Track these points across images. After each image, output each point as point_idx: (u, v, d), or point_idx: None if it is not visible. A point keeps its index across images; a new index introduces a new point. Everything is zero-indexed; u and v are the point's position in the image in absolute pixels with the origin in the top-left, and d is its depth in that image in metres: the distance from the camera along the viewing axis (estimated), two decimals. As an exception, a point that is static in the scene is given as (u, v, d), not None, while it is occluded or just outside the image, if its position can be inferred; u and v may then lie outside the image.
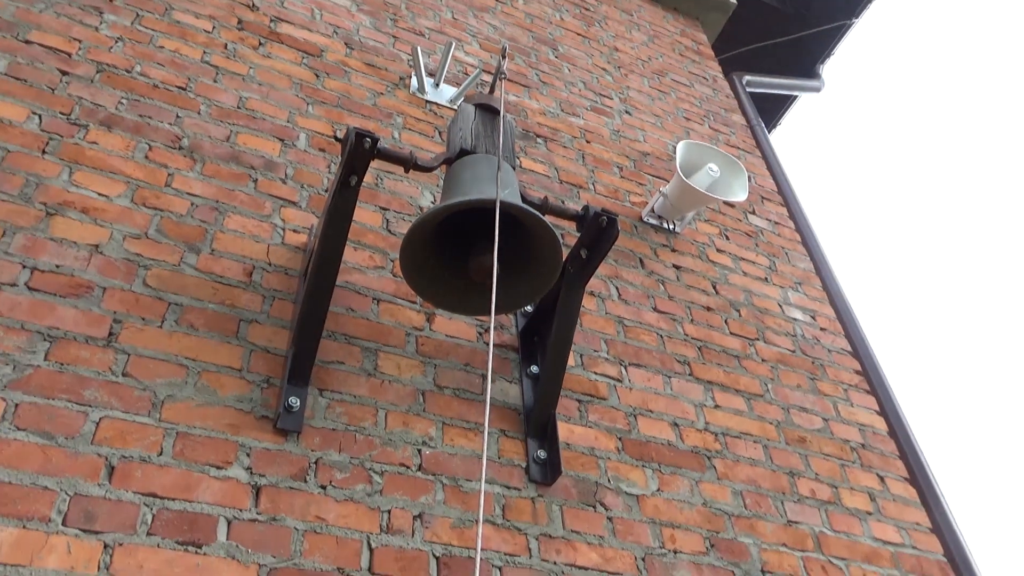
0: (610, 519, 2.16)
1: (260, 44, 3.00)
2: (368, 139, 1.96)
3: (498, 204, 1.86)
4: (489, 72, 3.45)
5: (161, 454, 1.76)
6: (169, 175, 2.35)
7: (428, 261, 2.05)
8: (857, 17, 5.51)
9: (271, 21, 3.14)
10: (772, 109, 6.08)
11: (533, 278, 2.07)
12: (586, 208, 2.21)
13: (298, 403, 1.95)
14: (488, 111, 2.30)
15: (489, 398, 1.52)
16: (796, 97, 5.97)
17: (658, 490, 2.30)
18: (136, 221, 2.18)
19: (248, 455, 1.85)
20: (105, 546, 1.58)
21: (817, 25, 5.57)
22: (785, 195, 4.02)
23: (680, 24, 5.03)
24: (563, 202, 2.90)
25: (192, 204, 2.31)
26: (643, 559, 2.11)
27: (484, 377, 2.30)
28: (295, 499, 1.82)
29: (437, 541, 1.90)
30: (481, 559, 1.91)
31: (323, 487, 1.87)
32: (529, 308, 2.56)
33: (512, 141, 2.29)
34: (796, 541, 2.38)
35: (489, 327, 2.47)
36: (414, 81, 3.24)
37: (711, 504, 2.34)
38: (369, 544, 1.82)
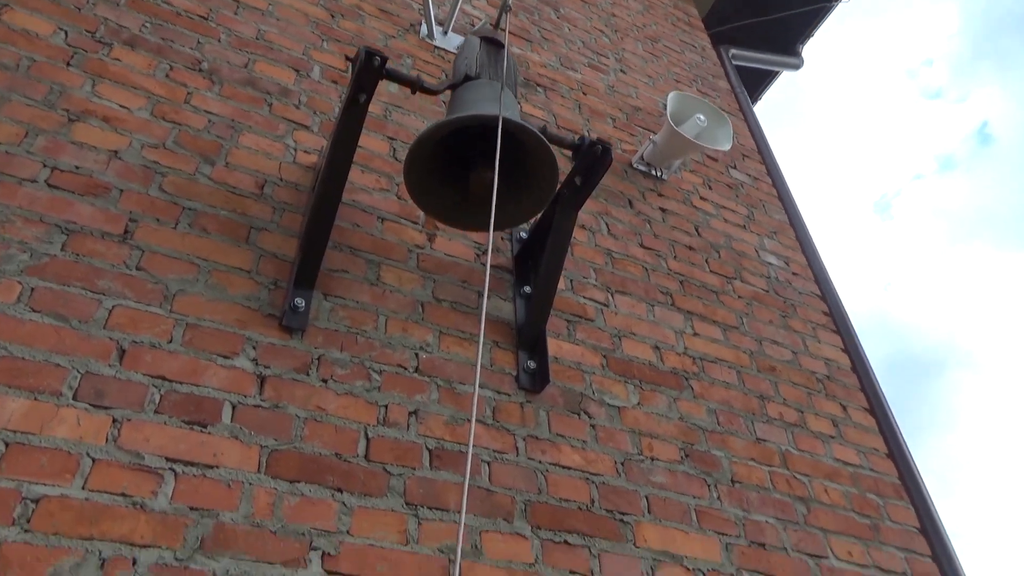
0: (593, 426, 2.08)
1: (279, -16, 2.85)
2: (377, 57, 1.85)
3: (500, 120, 1.75)
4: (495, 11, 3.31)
5: (171, 342, 1.67)
6: (188, 93, 2.23)
7: (431, 176, 1.95)
8: (837, 1, 5.34)
9: (291, -35, 2.99)
10: (755, 84, 5.92)
11: (530, 197, 1.97)
12: (582, 137, 2.11)
13: (303, 304, 1.86)
14: (493, 44, 2.18)
15: (487, 289, 1.42)
16: (778, 74, 5.82)
17: (638, 404, 2.22)
18: (155, 132, 2.07)
19: (254, 348, 1.76)
20: (114, 420, 1.50)
21: (799, 6, 5.40)
22: (764, 155, 3.91)
23: (673, -2, 4.87)
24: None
25: (209, 121, 2.20)
26: (622, 463, 2.03)
27: (480, 294, 2.21)
28: (297, 390, 1.74)
29: (430, 436, 1.82)
30: (474, 454, 1.83)
31: (324, 381, 1.78)
32: (524, 235, 2.47)
33: (515, 72, 2.17)
34: (764, 457, 2.31)
35: (487, 248, 2.37)
36: (424, 28, 3.11)
37: (687, 419, 2.26)
38: (366, 434, 1.74)
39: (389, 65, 1.94)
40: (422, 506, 1.68)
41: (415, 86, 2.01)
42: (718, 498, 2.11)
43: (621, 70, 3.74)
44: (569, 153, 2.10)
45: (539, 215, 2.32)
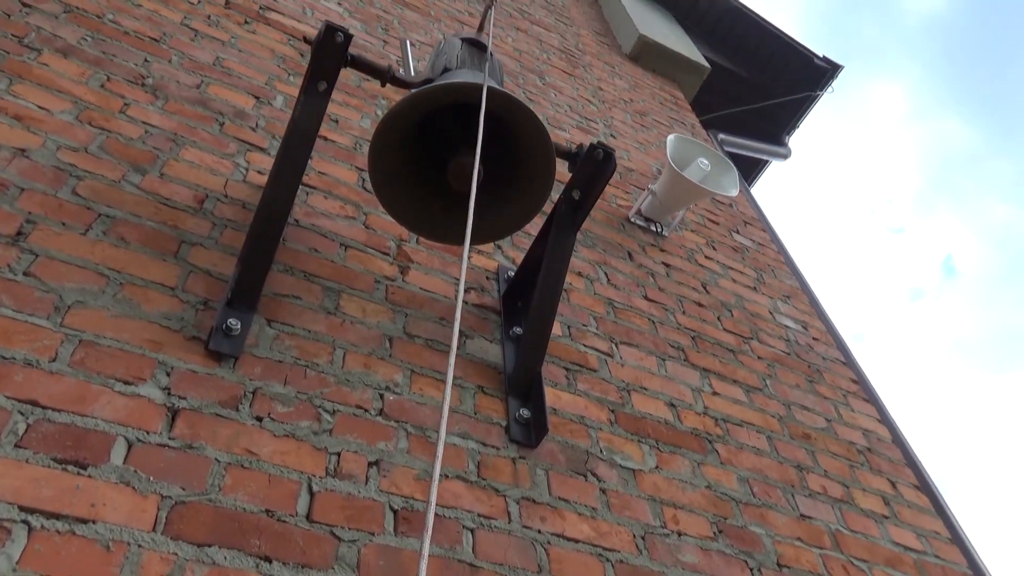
0: (603, 491, 1.65)
1: (246, 22, 2.64)
2: (340, 34, 1.58)
3: (485, 89, 1.45)
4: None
5: (54, 360, 1.27)
6: (125, 104, 1.93)
7: (402, 174, 1.63)
8: (822, 90, 5.32)
9: (260, 9, 2.79)
10: (744, 176, 5.81)
11: (521, 199, 1.65)
12: (580, 145, 1.82)
13: (238, 326, 1.47)
14: (476, 46, 1.93)
15: (459, 314, 1.07)
16: (767, 164, 5.72)
17: (656, 467, 1.80)
18: (77, 136, 1.74)
19: (168, 374, 1.35)
20: (-50, 453, 1.07)
21: (784, 95, 5.37)
22: (766, 225, 3.66)
23: (659, 81, 4.79)
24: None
25: (146, 131, 1.88)
26: (643, 537, 1.59)
27: (454, 326, 1.83)
28: (221, 428, 1.32)
29: (397, 493, 1.39)
30: (452, 518, 1.40)
31: (259, 419, 1.37)
32: (511, 273, 2.12)
33: (500, 73, 1.91)
34: (812, 537, 1.87)
35: (470, 287, 2.02)
36: (401, 72, 2.88)
37: (716, 488, 1.84)
38: (310, 487, 1.31)
39: (355, 52, 1.67)
40: (382, 584, 1.23)
41: (385, 76, 1.73)
42: (764, 585, 1.66)
43: (611, 135, 3.54)
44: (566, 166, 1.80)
45: (528, 252, 1.99)
